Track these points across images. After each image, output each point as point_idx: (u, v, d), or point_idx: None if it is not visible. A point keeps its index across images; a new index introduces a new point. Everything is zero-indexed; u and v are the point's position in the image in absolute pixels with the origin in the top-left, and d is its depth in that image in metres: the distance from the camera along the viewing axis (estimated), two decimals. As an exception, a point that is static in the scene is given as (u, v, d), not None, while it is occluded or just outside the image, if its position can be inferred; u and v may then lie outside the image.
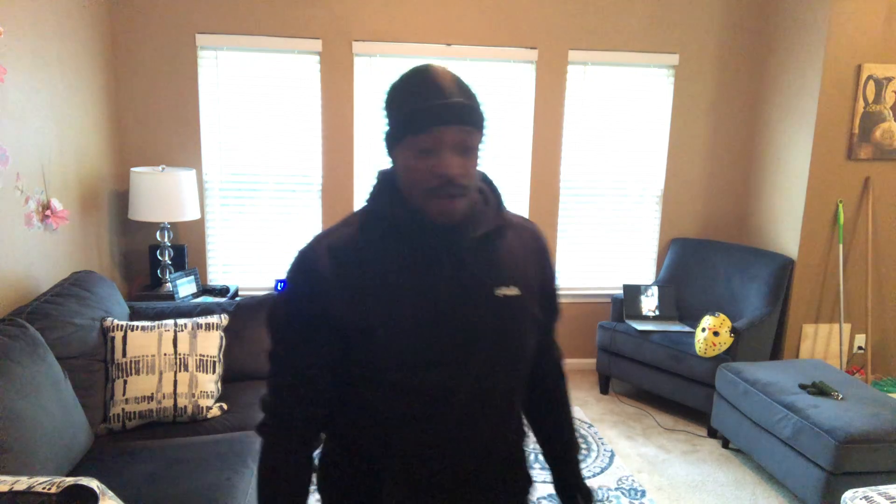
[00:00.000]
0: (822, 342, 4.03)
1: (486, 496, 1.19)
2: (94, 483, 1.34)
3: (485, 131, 1.11)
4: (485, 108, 1.13)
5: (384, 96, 1.16)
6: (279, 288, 4.02)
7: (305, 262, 1.11)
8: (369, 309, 1.08)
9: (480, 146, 1.11)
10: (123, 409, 2.47)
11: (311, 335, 1.11)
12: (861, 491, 2.13)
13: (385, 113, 1.15)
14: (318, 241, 1.13)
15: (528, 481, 1.29)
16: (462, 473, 1.15)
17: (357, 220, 1.16)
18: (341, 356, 1.12)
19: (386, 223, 1.13)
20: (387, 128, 1.14)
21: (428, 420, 1.11)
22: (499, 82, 4.05)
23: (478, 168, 1.13)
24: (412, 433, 1.11)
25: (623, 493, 2.95)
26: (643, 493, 2.95)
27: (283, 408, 1.12)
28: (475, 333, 1.11)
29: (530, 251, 1.23)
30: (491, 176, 1.24)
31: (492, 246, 1.16)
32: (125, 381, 2.49)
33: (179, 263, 3.72)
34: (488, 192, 1.21)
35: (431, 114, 1.04)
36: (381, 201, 1.15)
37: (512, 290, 1.15)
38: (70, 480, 1.32)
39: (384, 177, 1.18)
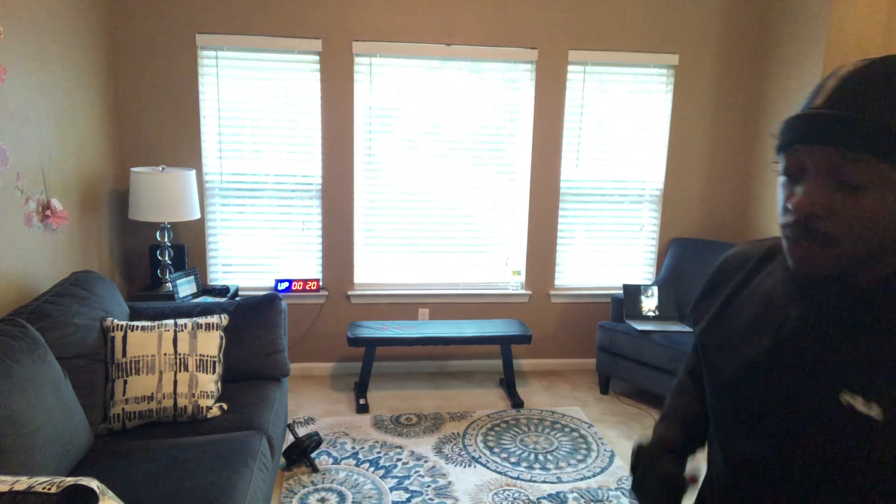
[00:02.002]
0: (822, 342, 4.03)
1: None
2: (94, 483, 1.34)
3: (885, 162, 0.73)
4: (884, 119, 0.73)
5: None
6: (277, 287, 4.02)
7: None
8: (715, 336, 0.96)
9: (883, 180, 0.73)
10: (123, 409, 2.47)
11: None
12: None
13: None
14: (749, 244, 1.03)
15: None
16: None
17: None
18: None
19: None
20: None
21: None
22: (499, 82, 4.05)
23: (882, 213, 0.74)
24: None
25: (623, 493, 2.95)
26: (643, 493, 2.95)
27: None
28: (789, 440, 0.83)
29: None
30: None
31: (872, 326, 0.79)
32: (125, 381, 2.49)
33: (179, 263, 3.73)
34: None
35: (797, 126, 0.77)
36: None
37: (870, 408, 0.76)
38: (70, 480, 1.32)
39: None
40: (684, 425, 1.09)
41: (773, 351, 0.86)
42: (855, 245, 0.76)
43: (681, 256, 4.18)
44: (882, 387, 0.75)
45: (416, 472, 3.08)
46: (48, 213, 2.85)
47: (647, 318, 3.94)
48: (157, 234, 3.60)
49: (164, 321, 2.68)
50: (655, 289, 3.99)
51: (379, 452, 3.24)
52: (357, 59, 3.89)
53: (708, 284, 1.05)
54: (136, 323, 2.63)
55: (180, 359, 2.60)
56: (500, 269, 4.30)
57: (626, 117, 4.19)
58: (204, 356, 2.65)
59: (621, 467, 3.17)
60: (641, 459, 1.07)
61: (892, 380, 0.74)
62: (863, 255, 0.77)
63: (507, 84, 4.06)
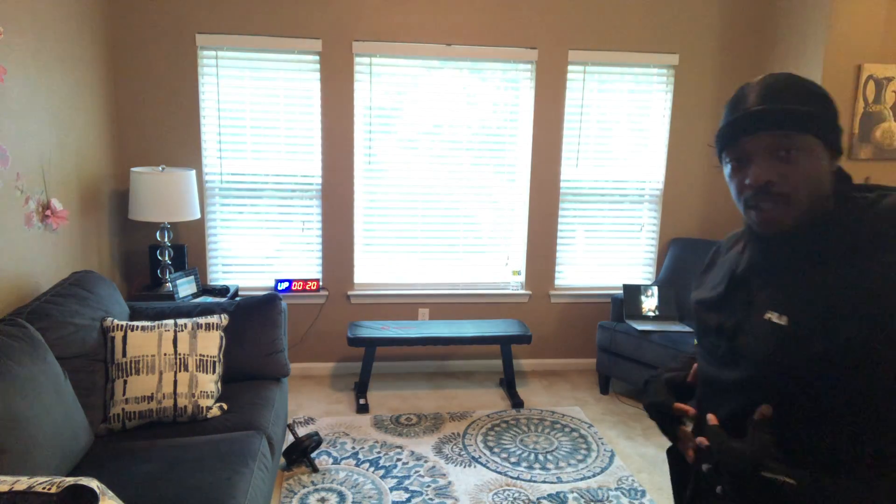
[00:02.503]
0: (822, 342, 4.03)
1: None
2: (94, 483, 1.34)
3: (817, 131, 1.04)
4: (816, 105, 1.05)
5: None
6: (277, 287, 4.02)
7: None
8: (699, 293, 1.30)
9: (808, 148, 1.04)
10: (123, 409, 2.47)
11: None
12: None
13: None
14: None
15: None
16: None
17: None
18: None
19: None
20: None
21: None
22: (499, 82, 4.05)
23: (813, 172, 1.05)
24: None
25: (623, 493, 2.95)
26: (643, 493, 2.95)
27: None
28: (736, 344, 1.14)
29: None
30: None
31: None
32: (125, 381, 2.50)
33: (179, 263, 3.72)
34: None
35: (741, 124, 1.08)
36: None
37: (781, 319, 1.07)
38: (70, 480, 1.32)
39: None
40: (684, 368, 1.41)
41: (727, 289, 1.20)
42: (802, 198, 1.05)
43: (681, 256, 4.18)
44: (789, 304, 1.07)
45: (416, 472, 3.08)
46: (48, 213, 2.85)
47: (647, 318, 3.94)
48: (157, 234, 3.60)
49: (164, 321, 2.68)
50: (655, 289, 3.99)
51: (379, 452, 3.24)
52: (357, 60, 3.89)
53: (707, 261, 1.36)
54: (136, 323, 2.63)
55: (180, 359, 2.60)
56: (500, 269, 4.30)
57: (626, 117, 4.19)
58: (204, 356, 2.65)
59: (621, 467, 3.17)
60: (651, 377, 1.39)
61: (795, 299, 1.07)
62: (808, 207, 1.06)
63: (507, 84, 4.06)
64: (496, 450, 3.30)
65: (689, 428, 1.21)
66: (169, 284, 3.55)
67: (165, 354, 2.58)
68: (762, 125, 1.05)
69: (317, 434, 3.08)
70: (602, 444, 3.40)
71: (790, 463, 1.03)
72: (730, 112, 1.10)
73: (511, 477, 3.06)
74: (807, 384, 1.04)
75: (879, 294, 0.98)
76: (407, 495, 2.88)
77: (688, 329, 3.74)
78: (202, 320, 2.73)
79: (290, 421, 3.55)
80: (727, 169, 1.12)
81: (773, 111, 1.04)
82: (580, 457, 3.26)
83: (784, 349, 1.05)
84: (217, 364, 2.69)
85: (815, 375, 1.02)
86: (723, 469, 1.06)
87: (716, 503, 1.15)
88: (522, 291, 4.29)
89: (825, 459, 1.03)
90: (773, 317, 1.08)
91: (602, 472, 3.13)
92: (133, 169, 3.45)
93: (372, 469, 3.09)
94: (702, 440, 1.12)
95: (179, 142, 3.84)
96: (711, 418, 1.14)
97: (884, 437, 1.00)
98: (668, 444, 3.41)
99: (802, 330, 1.04)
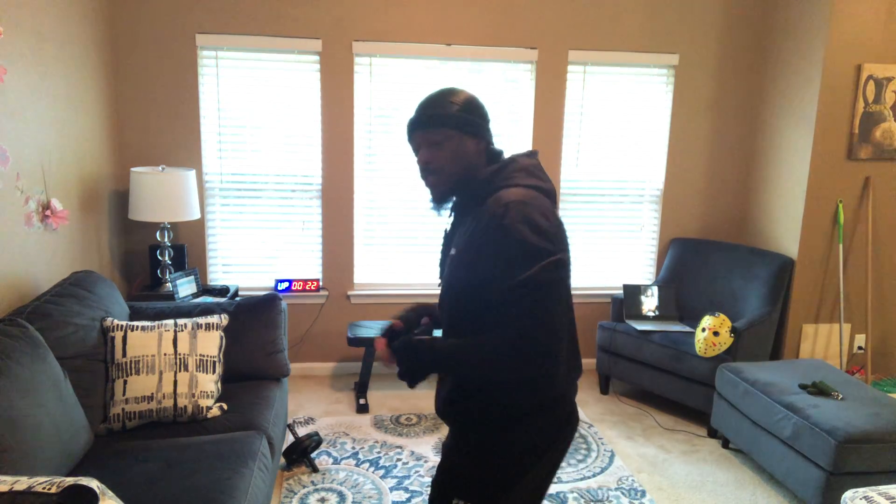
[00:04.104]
0: (822, 342, 4.04)
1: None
2: (94, 483, 1.34)
3: (448, 129, 1.54)
4: (443, 111, 1.56)
5: (474, 108, 1.60)
6: (277, 287, 4.02)
7: None
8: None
9: (447, 136, 1.54)
10: (123, 409, 2.47)
11: None
12: (861, 491, 2.13)
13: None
14: None
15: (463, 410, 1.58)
16: None
17: None
18: None
19: None
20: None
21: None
22: (499, 82, 4.05)
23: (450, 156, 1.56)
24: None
25: (623, 493, 2.95)
26: (643, 493, 2.95)
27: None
28: (442, 273, 1.65)
29: (482, 226, 1.47)
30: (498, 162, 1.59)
31: (461, 216, 1.60)
32: (125, 381, 2.49)
33: (179, 263, 3.72)
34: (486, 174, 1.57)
35: (411, 125, 1.60)
36: None
37: (452, 251, 1.56)
38: (70, 480, 1.32)
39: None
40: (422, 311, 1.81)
41: (444, 237, 1.69)
42: (449, 173, 1.55)
43: (681, 256, 4.18)
44: (458, 239, 1.54)
45: (416, 472, 3.08)
46: (48, 213, 2.85)
47: (647, 318, 3.94)
48: (157, 234, 3.60)
49: (164, 321, 2.68)
50: (655, 289, 3.99)
51: (379, 452, 3.24)
52: (357, 60, 3.89)
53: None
54: (136, 323, 2.63)
55: (180, 359, 2.60)
56: (500, 269, 4.29)
57: (626, 117, 4.19)
58: (204, 356, 2.65)
59: (621, 467, 3.17)
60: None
61: (461, 235, 1.53)
62: (459, 179, 1.56)
63: (508, 84, 4.06)
64: (496, 450, 3.30)
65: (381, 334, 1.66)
66: (169, 284, 3.55)
67: (165, 354, 2.58)
68: (418, 127, 1.56)
69: (317, 434, 3.08)
70: (602, 443, 3.40)
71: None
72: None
73: (511, 477, 3.06)
74: (465, 299, 1.49)
75: (474, 231, 1.48)
76: (407, 495, 2.88)
77: (688, 329, 3.74)
78: (202, 320, 2.73)
79: (290, 421, 3.56)
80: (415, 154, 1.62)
81: (423, 116, 1.55)
82: (580, 457, 3.26)
83: (454, 271, 1.52)
84: (217, 364, 2.69)
85: (469, 291, 1.48)
86: (395, 348, 1.49)
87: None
88: (522, 291, 4.28)
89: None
90: (453, 251, 1.54)
91: (602, 472, 3.13)
92: (133, 169, 3.45)
93: (372, 469, 3.09)
94: (379, 344, 1.57)
95: (179, 142, 3.84)
96: (395, 321, 1.68)
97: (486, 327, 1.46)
98: (669, 445, 3.42)
99: (461, 255, 1.50)
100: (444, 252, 1.65)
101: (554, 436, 1.53)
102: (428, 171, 1.56)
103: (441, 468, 1.66)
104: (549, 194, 1.53)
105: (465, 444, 1.57)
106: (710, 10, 4.10)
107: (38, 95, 2.81)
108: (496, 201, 1.44)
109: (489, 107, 4.04)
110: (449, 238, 1.65)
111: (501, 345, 1.36)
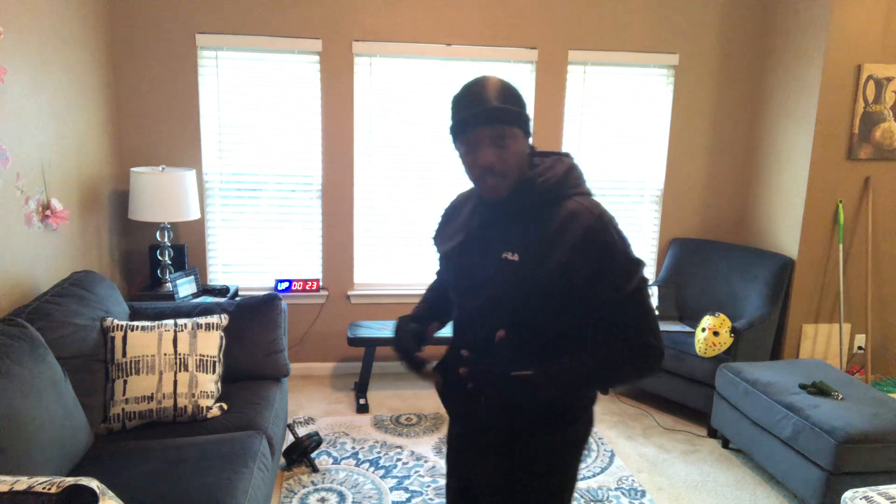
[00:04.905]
0: (822, 342, 4.04)
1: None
2: (94, 483, 1.34)
3: (518, 123, 1.38)
4: (514, 105, 1.39)
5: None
6: (277, 287, 4.02)
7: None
8: (442, 243, 1.64)
9: (514, 136, 1.38)
10: (123, 409, 2.47)
11: None
12: (861, 491, 2.13)
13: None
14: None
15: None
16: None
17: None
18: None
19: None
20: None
21: (462, 327, 1.57)
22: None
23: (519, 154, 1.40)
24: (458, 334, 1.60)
25: (623, 493, 2.95)
26: (643, 493, 2.95)
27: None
28: (478, 281, 1.49)
29: (567, 232, 1.40)
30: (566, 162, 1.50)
31: (521, 218, 1.46)
32: (125, 381, 2.49)
33: (179, 263, 3.72)
34: (551, 175, 1.46)
35: (475, 118, 1.36)
36: None
37: (513, 256, 1.43)
38: (70, 480, 1.32)
39: None
40: (430, 305, 1.75)
41: (463, 242, 1.53)
42: (514, 174, 1.40)
43: (681, 256, 4.18)
44: (518, 244, 1.43)
45: (416, 472, 3.08)
46: (48, 213, 2.85)
47: (647, 318, 3.93)
48: (157, 234, 3.60)
49: (164, 321, 2.68)
50: (655, 289, 3.98)
51: (379, 452, 3.24)
52: (357, 60, 3.89)
53: (443, 217, 1.68)
54: (136, 323, 2.63)
55: (180, 359, 2.60)
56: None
57: (627, 117, 4.19)
58: (204, 356, 2.65)
59: (621, 467, 3.17)
60: (399, 324, 1.64)
61: (523, 240, 1.42)
62: (518, 181, 1.42)
63: (507, 84, 4.06)
64: (496, 450, 3.30)
65: (429, 369, 1.58)
66: (169, 284, 3.55)
67: (165, 354, 2.58)
68: (488, 121, 1.35)
69: (317, 434, 3.08)
70: (602, 444, 3.40)
71: (524, 366, 1.39)
72: (458, 110, 1.38)
73: (511, 477, 3.06)
74: (533, 308, 1.41)
75: (549, 237, 1.40)
76: (407, 495, 2.88)
77: (688, 329, 3.74)
78: (202, 320, 2.73)
79: (290, 421, 3.56)
80: (460, 153, 1.42)
81: (496, 109, 1.34)
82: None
83: (519, 277, 1.40)
84: (217, 364, 2.69)
85: (539, 299, 1.40)
86: (480, 384, 1.40)
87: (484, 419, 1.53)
88: (522, 291, 4.28)
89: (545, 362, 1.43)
90: (508, 255, 1.42)
91: (602, 472, 3.13)
92: (133, 169, 3.45)
93: (372, 469, 3.09)
94: (463, 370, 1.42)
95: (179, 142, 3.84)
96: (464, 353, 1.48)
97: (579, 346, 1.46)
98: (669, 444, 3.42)
99: (528, 262, 1.40)
100: (478, 252, 1.50)
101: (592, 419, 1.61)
102: (491, 174, 1.38)
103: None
104: None
105: (531, 467, 1.52)
106: (710, 10, 4.10)
107: (39, 95, 2.81)
108: (586, 212, 1.42)
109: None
110: (482, 240, 1.50)
111: (624, 353, 1.39)
